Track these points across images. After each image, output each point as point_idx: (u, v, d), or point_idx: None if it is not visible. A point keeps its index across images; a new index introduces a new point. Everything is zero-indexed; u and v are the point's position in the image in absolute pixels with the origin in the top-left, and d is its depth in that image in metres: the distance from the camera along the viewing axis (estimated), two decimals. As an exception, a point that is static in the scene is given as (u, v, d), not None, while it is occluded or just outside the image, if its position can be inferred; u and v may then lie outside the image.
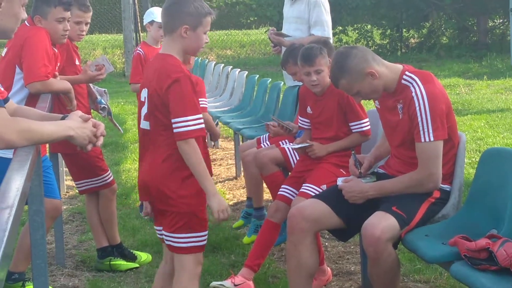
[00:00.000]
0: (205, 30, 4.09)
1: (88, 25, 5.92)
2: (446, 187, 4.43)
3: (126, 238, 6.57)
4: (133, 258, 6.05)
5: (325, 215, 4.51)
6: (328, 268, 5.51)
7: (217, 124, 6.88)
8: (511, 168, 4.15)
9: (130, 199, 7.88)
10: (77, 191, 6.44)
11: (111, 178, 5.96)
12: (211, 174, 4.09)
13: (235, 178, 8.92)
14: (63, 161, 6.45)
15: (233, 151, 9.64)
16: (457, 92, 15.25)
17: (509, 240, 3.74)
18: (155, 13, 7.35)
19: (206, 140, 5.85)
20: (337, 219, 4.51)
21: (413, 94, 4.27)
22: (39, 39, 5.09)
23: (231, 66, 11.48)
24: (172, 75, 3.94)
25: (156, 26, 7.30)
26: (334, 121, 5.33)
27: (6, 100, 3.27)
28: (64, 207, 7.44)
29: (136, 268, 5.99)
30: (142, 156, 4.26)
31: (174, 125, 3.94)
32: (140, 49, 7.42)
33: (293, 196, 5.26)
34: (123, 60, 23.22)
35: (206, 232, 4.16)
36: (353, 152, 4.86)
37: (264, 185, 6.30)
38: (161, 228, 4.23)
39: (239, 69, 10.74)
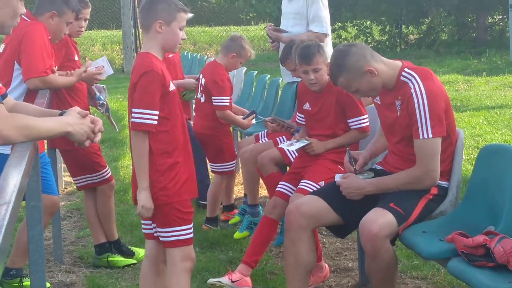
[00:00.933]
0: (180, 25, 4.21)
1: (87, 21, 5.94)
2: (444, 183, 4.43)
3: (124, 234, 6.58)
4: (131, 254, 6.05)
5: (323, 212, 4.51)
6: (326, 265, 5.51)
7: (253, 112, 6.89)
8: (509, 165, 4.14)
9: (128, 195, 7.87)
10: (75, 187, 6.44)
11: (109, 174, 5.96)
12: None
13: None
14: (61, 157, 6.45)
15: (232, 148, 9.63)
16: (456, 88, 15.26)
17: (506, 236, 3.74)
18: None
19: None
20: (334, 215, 4.51)
21: (412, 90, 4.26)
22: (38, 35, 5.09)
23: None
24: (141, 70, 4.11)
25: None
26: (332, 118, 5.33)
27: (4, 96, 3.27)
28: (62, 203, 7.45)
29: (134, 264, 5.99)
30: None
31: (132, 115, 4.11)
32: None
33: (291, 193, 5.26)
34: (122, 56, 23.23)
35: (189, 226, 4.24)
36: (347, 148, 4.86)
37: (261, 181, 6.31)
38: (148, 222, 4.35)
39: (237, 65, 10.72)
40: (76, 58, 5.91)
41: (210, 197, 6.89)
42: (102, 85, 6.22)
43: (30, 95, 5.04)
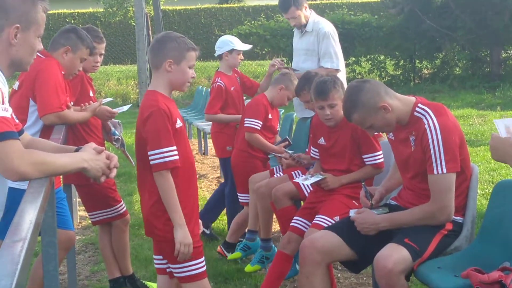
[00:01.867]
0: (190, 64, 4.24)
1: (102, 56, 5.99)
2: (458, 219, 4.42)
3: (138, 269, 6.58)
4: (145, 289, 6.05)
5: (338, 247, 4.50)
6: (341, 300, 5.49)
7: (285, 140, 6.80)
8: (524, 200, 4.14)
9: (143, 230, 7.86)
10: (90, 221, 6.46)
11: (124, 209, 5.98)
12: None
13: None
14: (76, 192, 6.47)
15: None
16: (470, 123, 15.23)
17: (522, 272, 3.72)
18: (235, 42, 7.46)
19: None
20: (349, 250, 4.51)
21: (426, 126, 4.27)
22: (51, 71, 5.13)
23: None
24: (148, 111, 4.13)
25: (235, 54, 7.41)
26: (347, 153, 5.34)
27: (20, 132, 3.30)
28: (77, 238, 7.46)
29: (148, 299, 5.99)
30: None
31: (150, 157, 4.10)
32: (220, 81, 7.37)
33: (305, 228, 5.26)
34: (137, 90, 23.33)
35: (201, 259, 4.25)
36: (363, 183, 4.86)
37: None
38: (159, 257, 4.40)
39: (252, 100, 10.74)
40: (91, 94, 5.95)
41: (234, 224, 6.90)
42: (117, 120, 6.26)
43: (46, 131, 5.07)
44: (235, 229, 6.91)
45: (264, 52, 26.74)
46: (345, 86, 5.52)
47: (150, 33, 22.41)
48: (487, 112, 16.80)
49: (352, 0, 36.19)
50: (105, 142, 6.09)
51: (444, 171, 4.21)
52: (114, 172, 3.43)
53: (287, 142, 6.68)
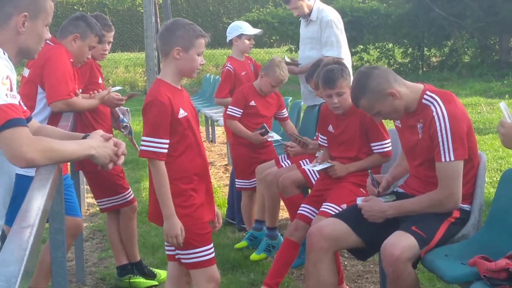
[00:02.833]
0: (199, 51, 4.22)
1: (111, 44, 5.99)
2: (466, 207, 4.41)
3: (146, 255, 6.60)
4: (152, 276, 6.06)
5: (345, 234, 4.51)
6: (347, 287, 5.49)
7: (262, 127, 6.81)
8: (532, 188, 4.13)
9: (150, 217, 7.88)
10: (97, 208, 6.48)
11: (132, 196, 5.99)
12: None
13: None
14: (84, 179, 6.47)
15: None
16: (479, 111, 15.20)
17: (529, 260, 3.72)
18: (243, 27, 7.53)
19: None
20: (356, 238, 4.51)
21: (434, 113, 4.26)
22: (60, 58, 5.14)
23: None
24: (147, 99, 4.18)
25: (245, 38, 7.51)
26: (356, 141, 5.34)
27: (28, 119, 3.31)
28: (85, 225, 7.48)
29: (155, 286, 6.01)
30: None
31: (141, 142, 4.16)
32: (230, 65, 7.49)
33: (313, 215, 5.27)
34: (145, 78, 23.32)
35: (209, 246, 4.25)
36: (369, 171, 4.86)
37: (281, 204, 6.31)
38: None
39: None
40: (100, 81, 5.96)
41: (244, 214, 7.08)
42: (126, 108, 6.27)
43: (54, 118, 5.09)
44: (247, 217, 6.99)
45: (272, 40, 26.74)
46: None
47: (158, 21, 22.36)
48: (496, 100, 16.76)
49: (360, -13, 36.09)
50: (113, 129, 6.10)
51: (452, 158, 4.21)
52: (121, 159, 3.44)
53: (263, 130, 6.74)
